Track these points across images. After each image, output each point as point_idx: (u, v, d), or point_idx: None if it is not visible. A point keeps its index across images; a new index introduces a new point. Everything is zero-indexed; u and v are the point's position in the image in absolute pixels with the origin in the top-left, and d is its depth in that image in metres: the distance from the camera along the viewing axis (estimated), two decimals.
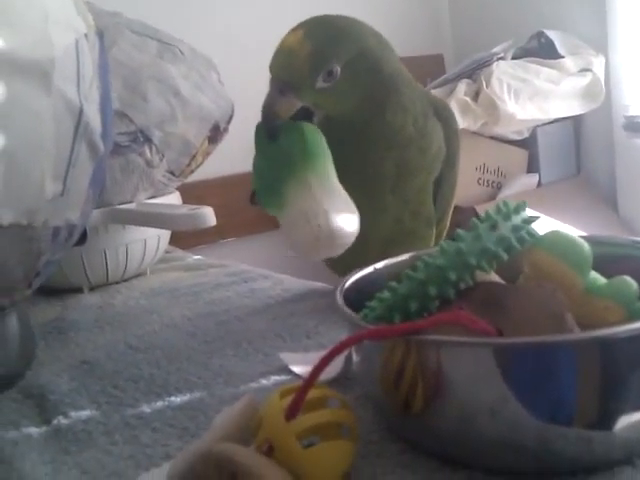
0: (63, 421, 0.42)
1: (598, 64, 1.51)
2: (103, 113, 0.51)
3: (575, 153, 1.67)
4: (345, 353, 0.39)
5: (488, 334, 0.29)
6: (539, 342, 0.28)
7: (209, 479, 0.28)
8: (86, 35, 0.49)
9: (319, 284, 0.68)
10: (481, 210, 1.35)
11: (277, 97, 0.49)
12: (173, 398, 0.44)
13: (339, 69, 0.48)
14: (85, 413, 0.43)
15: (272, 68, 0.49)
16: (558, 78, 1.46)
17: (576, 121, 1.64)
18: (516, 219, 0.35)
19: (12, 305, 0.48)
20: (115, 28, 0.76)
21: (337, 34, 0.49)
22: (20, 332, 0.51)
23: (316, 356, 0.30)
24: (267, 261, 1.12)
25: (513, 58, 1.51)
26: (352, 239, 0.46)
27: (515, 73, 1.42)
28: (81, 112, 0.47)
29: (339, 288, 0.38)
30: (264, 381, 0.45)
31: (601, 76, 1.51)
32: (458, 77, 1.45)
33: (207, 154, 0.84)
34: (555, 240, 0.35)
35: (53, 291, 0.75)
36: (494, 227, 0.34)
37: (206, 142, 0.82)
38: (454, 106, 1.32)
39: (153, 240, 0.78)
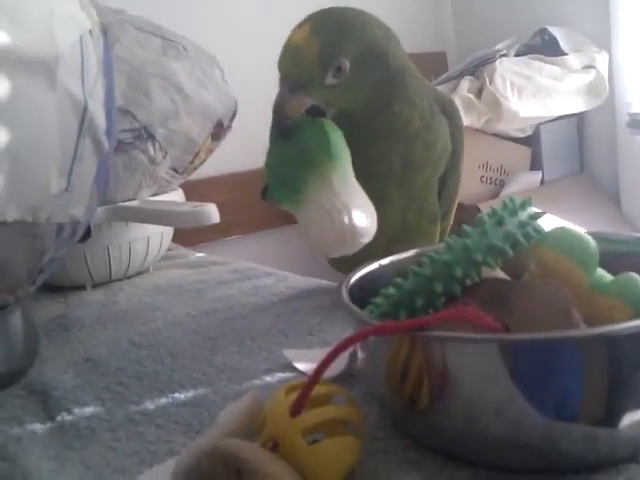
0: (67, 417, 0.42)
1: (601, 61, 1.51)
2: (107, 109, 0.51)
3: (578, 150, 1.67)
4: (350, 350, 0.39)
5: (494, 330, 0.29)
6: (545, 338, 0.28)
7: (215, 476, 0.28)
8: (90, 31, 0.49)
9: (323, 281, 0.68)
10: (484, 208, 1.35)
11: (287, 96, 0.49)
12: (177, 395, 0.44)
13: (348, 64, 0.48)
14: (89, 409, 0.43)
15: (280, 66, 0.49)
16: (561, 75, 1.45)
17: (579, 118, 1.64)
18: (522, 215, 0.35)
19: (16, 302, 0.48)
20: (118, 25, 0.76)
21: (344, 28, 0.49)
22: (24, 329, 0.51)
23: (320, 353, 0.30)
24: (271, 258, 1.12)
25: (516, 55, 1.51)
26: (373, 233, 0.47)
27: (518, 70, 1.41)
28: (85, 108, 0.47)
29: (344, 284, 0.38)
30: (268, 378, 0.45)
31: (604, 73, 1.50)
32: (461, 74, 1.45)
33: (210, 151, 0.84)
34: (561, 237, 0.35)
35: (56, 288, 0.75)
36: (500, 223, 0.34)
37: (209, 139, 0.82)
38: (457, 103, 1.32)
39: (156, 237, 0.78)
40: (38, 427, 0.41)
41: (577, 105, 1.50)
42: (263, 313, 0.60)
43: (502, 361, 0.28)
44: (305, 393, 0.29)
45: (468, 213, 1.30)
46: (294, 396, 0.29)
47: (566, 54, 1.50)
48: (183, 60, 0.80)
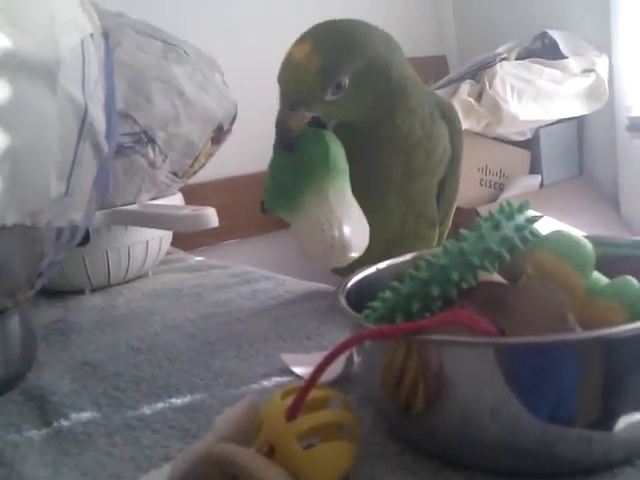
0: (64, 423, 0.42)
1: (601, 65, 1.51)
2: (108, 113, 0.51)
3: (578, 154, 1.67)
4: (346, 354, 0.39)
5: (490, 334, 0.29)
6: (541, 342, 0.28)
7: None
8: (92, 35, 0.49)
9: (321, 285, 0.68)
10: (483, 211, 1.34)
11: (288, 113, 0.49)
12: (174, 399, 0.44)
13: (347, 81, 0.48)
14: (86, 415, 0.43)
15: (281, 82, 0.49)
16: (561, 79, 1.46)
17: (579, 122, 1.64)
18: (519, 219, 0.35)
19: (14, 306, 0.48)
20: (119, 29, 0.76)
21: (346, 45, 0.48)
22: (22, 333, 0.51)
23: (317, 357, 0.30)
24: (269, 262, 1.12)
25: (516, 59, 1.51)
26: (362, 250, 0.48)
27: (518, 74, 1.41)
28: (86, 112, 0.47)
29: (341, 288, 0.38)
30: (265, 382, 0.45)
31: (604, 77, 1.50)
32: (461, 78, 1.45)
33: (210, 155, 0.84)
34: (558, 240, 0.35)
35: (55, 293, 0.75)
36: (497, 227, 0.34)
37: (209, 143, 0.82)
38: (457, 107, 1.32)
39: (155, 241, 0.78)
40: (35, 433, 0.41)
41: (577, 109, 1.50)
42: (261, 317, 0.60)
43: (498, 365, 0.28)
44: (301, 397, 0.29)
45: (467, 217, 1.29)
46: (290, 400, 0.29)
47: (566, 58, 1.50)
48: (184, 64, 0.80)
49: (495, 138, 1.52)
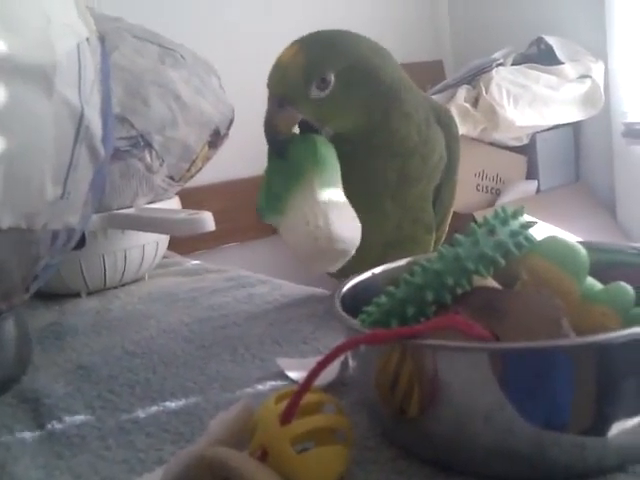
0: (57, 426, 0.42)
1: (597, 70, 1.52)
2: (104, 117, 0.51)
3: (574, 159, 1.67)
4: (341, 358, 0.39)
5: (484, 339, 0.29)
6: (535, 347, 0.28)
7: None
8: (88, 39, 0.49)
9: (317, 290, 0.68)
10: (480, 217, 1.35)
11: (275, 111, 0.49)
12: (168, 403, 0.44)
13: (332, 77, 0.49)
14: (80, 418, 0.43)
15: (269, 84, 0.50)
16: (557, 84, 1.46)
17: (575, 127, 1.64)
18: (514, 224, 0.35)
19: (10, 309, 0.48)
20: (116, 33, 0.76)
21: (329, 44, 0.50)
22: (17, 336, 0.51)
23: (313, 362, 0.30)
24: (265, 267, 1.12)
25: (513, 64, 1.52)
26: (352, 247, 0.46)
27: (515, 79, 1.42)
28: (82, 116, 0.47)
29: (337, 293, 0.38)
30: (260, 386, 0.45)
31: (600, 83, 1.51)
32: (458, 83, 1.46)
33: (207, 159, 0.84)
34: (552, 246, 0.35)
35: (51, 296, 0.75)
36: (492, 232, 0.34)
37: (206, 147, 0.82)
38: (454, 112, 1.32)
39: (151, 245, 0.78)
40: (28, 435, 0.41)
41: (573, 114, 1.50)
42: (257, 321, 0.60)
43: (492, 370, 0.28)
44: (295, 401, 0.29)
45: (464, 222, 1.30)
46: (284, 404, 0.29)
47: (562, 63, 1.51)
48: (181, 68, 0.80)
49: (491, 143, 1.52)
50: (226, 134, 0.86)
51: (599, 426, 0.28)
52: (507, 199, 1.48)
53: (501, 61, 1.48)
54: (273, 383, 0.45)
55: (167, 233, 0.79)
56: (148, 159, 0.75)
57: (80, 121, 0.48)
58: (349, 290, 0.40)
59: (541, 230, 0.37)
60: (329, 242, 0.45)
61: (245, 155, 1.26)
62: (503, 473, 0.29)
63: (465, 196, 1.42)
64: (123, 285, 0.79)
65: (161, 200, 0.79)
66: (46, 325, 0.65)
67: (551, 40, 1.56)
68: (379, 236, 0.55)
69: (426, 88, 1.51)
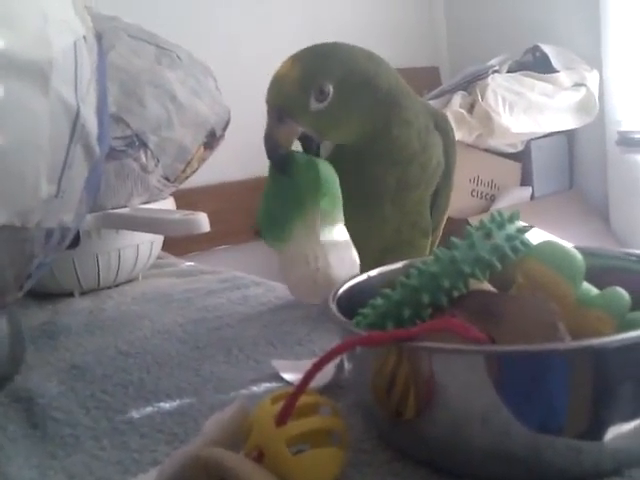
0: (51, 425, 0.42)
1: (592, 79, 1.53)
2: (100, 116, 0.51)
3: (568, 167, 1.68)
4: (337, 361, 0.39)
5: (480, 342, 0.29)
6: (531, 350, 0.28)
7: None
8: (84, 37, 0.49)
9: None
10: (474, 222, 1.35)
11: (275, 125, 0.49)
12: (162, 404, 0.44)
13: (331, 88, 0.48)
14: (73, 418, 0.43)
15: (267, 99, 0.50)
16: (552, 92, 1.47)
17: (569, 135, 1.65)
18: (510, 228, 0.35)
19: (2, 307, 0.48)
20: (113, 32, 0.76)
21: (324, 55, 0.50)
22: (10, 335, 0.50)
23: (308, 364, 0.30)
24: (260, 268, 1.11)
25: (508, 71, 1.53)
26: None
27: (510, 86, 1.43)
28: (78, 114, 0.47)
29: (332, 295, 0.38)
30: (255, 388, 0.45)
31: (595, 91, 1.52)
32: (454, 89, 1.46)
33: (203, 160, 0.84)
34: (548, 250, 0.35)
35: (44, 295, 0.75)
36: (488, 236, 0.34)
37: (202, 148, 0.82)
38: (449, 118, 1.33)
39: (146, 245, 0.78)
40: (21, 435, 0.41)
41: (567, 122, 1.51)
42: (251, 323, 0.59)
43: (488, 373, 0.28)
44: (291, 403, 0.29)
45: (458, 227, 1.30)
46: (280, 406, 0.29)
47: (557, 71, 1.52)
48: (177, 69, 0.80)
49: (486, 150, 1.53)
50: (222, 135, 0.86)
51: (595, 430, 0.28)
52: (501, 205, 1.49)
53: (497, 68, 1.49)
54: (267, 385, 0.45)
55: (162, 233, 0.79)
56: (143, 159, 0.75)
57: (76, 119, 0.47)
58: (345, 292, 0.40)
59: (535, 236, 0.37)
60: (327, 284, 0.45)
61: (241, 157, 1.27)
62: (499, 476, 0.29)
63: (460, 201, 1.43)
64: (117, 285, 0.79)
65: (156, 201, 0.79)
66: (39, 324, 0.65)
67: (546, 48, 1.57)
68: (377, 241, 0.55)
69: (422, 94, 1.52)
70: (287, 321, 0.58)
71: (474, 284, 0.35)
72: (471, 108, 1.42)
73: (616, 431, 0.28)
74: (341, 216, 0.49)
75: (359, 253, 0.47)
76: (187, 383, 0.47)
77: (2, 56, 0.41)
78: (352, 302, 0.38)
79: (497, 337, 0.30)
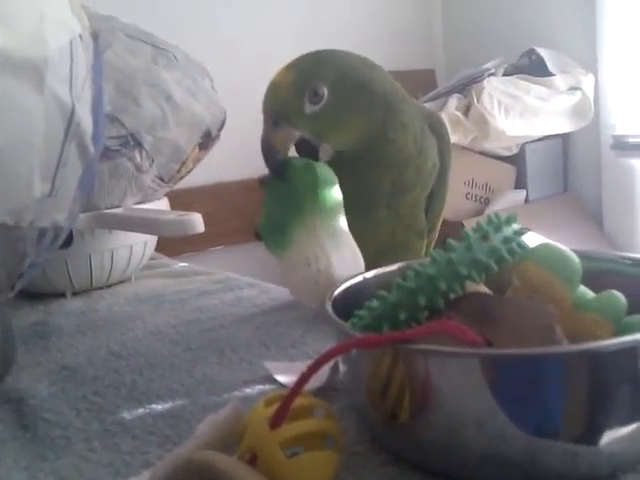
0: (41, 427, 0.41)
1: (587, 83, 1.53)
2: (95, 115, 0.50)
3: (563, 170, 1.69)
4: (331, 363, 0.39)
5: (477, 345, 0.29)
6: (528, 353, 0.28)
7: None
8: (81, 36, 0.49)
9: None
10: (469, 224, 1.35)
11: (271, 130, 0.49)
12: (154, 405, 0.43)
13: (325, 90, 0.48)
14: (64, 419, 0.42)
15: (263, 106, 0.50)
16: (548, 96, 1.48)
17: (564, 139, 1.66)
18: (507, 231, 0.35)
19: None
20: (109, 32, 0.76)
21: (319, 60, 0.50)
22: (1, 335, 0.50)
23: (302, 366, 0.30)
24: (254, 270, 1.11)
25: (504, 75, 1.53)
26: None
27: (506, 89, 1.43)
28: (72, 113, 0.47)
29: (327, 297, 0.38)
30: (248, 390, 0.44)
31: (590, 95, 1.53)
32: (449, 92, 1.47)
33: (198, 160, 0.84)
34: (545, 253, 0.35)
35: (36, 295, 0.74)
36: (485, 238, 0.34)
37: (197, 148, 0.82)
38: (445, 120, 1.33)
39: (139, 246, 0.77)
40: (11, 436, 0.40)
41: (562, 126, 1.52)
42: (245, 324, 0.59)
43: (484, 376, 0.28)
44: (285, 405, 0.29)
45: (453, 229, 1.30)
46: (274, 408, 0.29)
47: (553, 75, 1.52)
48: (173, 69, 0.80)
49: (482, 152, 1.53)
50: (217, 136, 0.85)
51: (591, 434, 0.28)
52: (496, 208, 1.49)
53: (493, 71, 1.49)
54: (261, 387, 0.44)
55: (156, 234, 0.78)
56: (138, 159, 0.75)
57: (71, 118, 0.47)
58: (340, 294, 0.39)
59: (529, 239, 0.37)
60: (329, 285, 0.45)
61: (236, 158, 1.26)
62: (495, 479, 0.29)
63: (454, 204, 1.43)
64: (109, 286, 0.78)
65: (150, 201, 0.78)
66: (31, 325, 0.65)
67: (542, 52, 1.57)
68: (372, 244, 0.55)
69: (418, 96, 1.52)
70: (281, 323, 0.58)
71: (470, 286, 0.35)
72: (467, 111, 1.42)
73: (612, 435, 0.28)
74: (342, 215, 0.49)
75: None
76: (179, 385, 0.46)
77: None
78: (348, 304, 0.37)
79: (494, 340, 0.30)
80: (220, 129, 0.85)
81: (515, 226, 0.36)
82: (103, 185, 0.72)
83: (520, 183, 1.60)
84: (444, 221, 0.65)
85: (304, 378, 0.29)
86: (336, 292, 0.39)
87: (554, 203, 1.60)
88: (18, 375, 0.51)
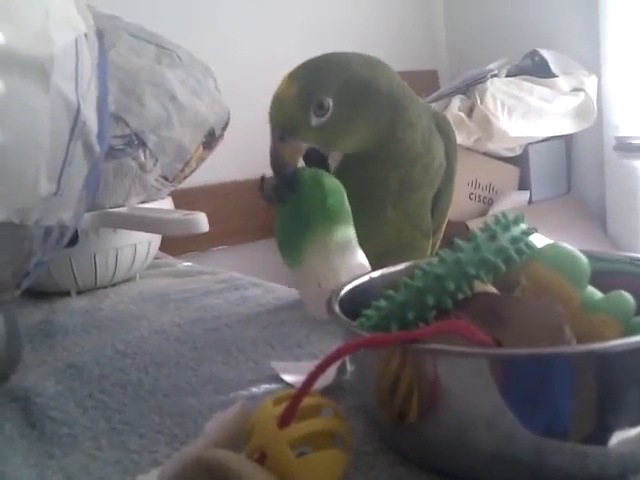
0: (48, 425, 0.41)
1: (590, 84, 1.53)
2: (100, 114, 0.50)
3: (566, 171, 1.69)
4: (338, 363, 0.39)
5: (486, 345, 0.29)
6: (537, 353, 0.28)
7: None
8: (86, 35, 0.48)
9: None
10: (472, 225, 1.36)
11: (279, 144, 0.49)
12: (161, 404, 0.43)
13: (330, 102, 0.48)
14: (71, 417, 0.42)
15: (269, 119, 0.50)
16: (551, 97, 1.48)
17: (568, 140, 1.66)
18: (515, 230, 0.35)
19: None
20: (114, 31, 0.76)
21: (320, 69, 0.49)
22: (7, 334, 0.50)
23: (308, 366, 0.30)
24: (259, 269, 1.11)
25: (507, 76, 1.53)
26: None
27: (509, 90, 1.43)
28: (78, 111, 0.46)
29: (334, 296, 0.38)
30: (254, 389, 0.44)
31: (593, 96, 1.52)
32: (452, 93, 1.46)
33: (201, 160, 0.84)
34: (554, 253, 0.35)
35: (41, 294, 0.74)
36: (493, 238, 0.34)
37: (201, 148, 0.82)
38: None
39: (143, 245, 0.78)
40: (18, 434, 0.41)
41: (566, 127, 1.51)
42: (250, 324, 0.59)
43: (493, 376, 0.28)
44: (294, 404, 0.29)
45: (456, 230, 1.30)
46: (282, 407, 0.29)
47: (556, 76, 1.52)
48: (177, 69, 0.80)
49: (485, 153, 1.53)
50: (221, 135, 0.85)
51: (600, 434, 0.28)
52: (499, 209, 1.49)
53: (496, 72, 1.49)
54: (267, 386, 0.44)
55: (161, 233, 0.79)
56: (142, 158, 0.75)
57: (76, 116, 0.47)
58: (347, 294, 0.39)
59: (537, 240, 0.37)
60: None
61: (239, 158, 1.26)
62: None
63: (458, 205, 1.42)
64: (114, 285, 0.78)
65: (154, 200, 0.79)
66: (36, 324, 0.65)
67: (545, 53, 1.57)
68: (379, 243, 0.55)
69: (421, 97, 1.52)
70: (286, 322, 0.58)
71: (478, 286, 0.35)
72: (470, 112, 1.42)
73: (622, 436, 0.28)
74: (352, 231, 0.49)
75: None
76: (186, 383, 0.46)
77: (3, 52, 0.41)
78: (355, 303, 0.37)
79: (502, 340, 0.30)
80: (224, 129, 0.85)
81: (523, 226, 0.36)
82: (107, 184, 0.72)
83: (523, 184, 1.60)
84: (448, 221, 0.65)
85: (312, 377, 0.29)
86: (343, 292, 0.39)
87: (557, 204, 1.60)
88: (24, 374, 0.51)
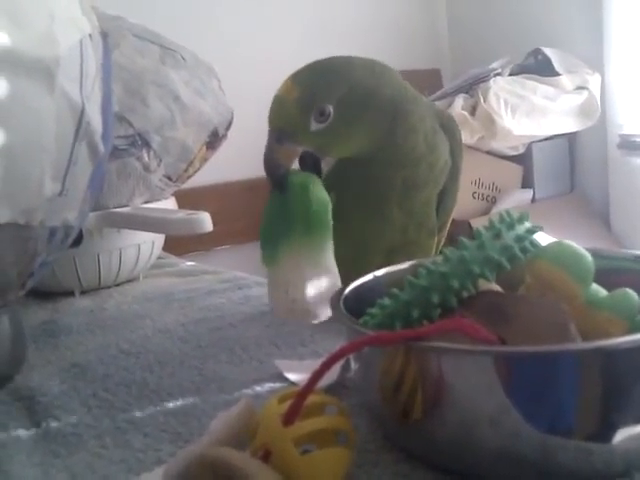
0: (53, 424, 0.41)
1: (594, 82, 1.53)
2: (104, 114, 0.51)
3: (569, 170, 1.68)
4: (342, 361, 0.39)
5: (490, 342, 0.29)
6: (542, 351, 0.28)
7: None
8: (90, 36, 0.49)
9: None
10: (476, 224, 1.35)
11: (275, 146, 0.49)
12: (165, 403, 0.43)
13: (331, 109, 0.48)
14: (75, 416, 0.42)
15: (268, 120, 0.49)
16: (554, 95, 1.47)
17: (571, 138, 1.65)
18: (520, 229, 0.35)
19: (4, 306, 0.47)
20: (118, 32, 0.76)
21: (323, 74, 0.49)
22: (11, 334, 0.50)
23: (312, 364, 0.30)
24: (260, 269, 1.11)
25: (510, 74, 1.53)
26: (326, 318, 0.47)
27: (512, 89, 1.43)
28: (83, 112, 0.47)
29: (338, 295, 0.38)
30: (258, 388, 0.44)
31: (597, 94, 1.52)
32: (456, 92, 1.46)
33: (205, 160, 0.84)
34: (558, 251, 0.35)
35: (45, 294, 0.74)
36: (498, 236, 0.34)
37: (204, 148, 0.82)
38: None
39: (147, 245, 0.78)
40: (23, 433, 0.41)
41: (569, 125, 1.51)
42: (253, 323, 0.59)
43: (497, 374, 0.28)
44: (299, 402, 0.29)
45: (459, 229, 1.30)
46: (286, 405, 0.29)
47: (559, 75, 1.52)
48: (181, 69, 0.80)
49: (488, 152, 1.53)
50: (224, 135, 0.85)
51: (605, 432, 0.28)
52: (502, 207, 1.49)
53: (499, 71, 1.49)
54: (271, 385, 0.45)
55: (165, 233, 0.79)
56: (146, 158, 0.75)
57: (81, 117, 0.47)
58: (351, 292, 0.39)
59: (541, 239, 0.37)
60: (304, 315, 0.46)
61: (243, 157, 1.26)
62: (508, 478, 0.29)
63: (461, 203, 1.42)
64: (117, 284, 0.78)
65: (158, 200, 0.79)
66: (40, 323, 0.65)
67: (549, 51, 1.57)
68: (384, 241, 0.55)
69: (424, 95, 1.52)
70: (289, 321, 0.58)
71: (483, 284, 0.35)
72: (473, 110, 1.42)
73: (626, 433, 0.28)
74: (330, 242, 0.48)
75: (365, 254, 0.47)
76: (190, 382, 0.46)
77: (9, 53, 0.41)
78: (359, 302, 0.37)
79: (507, 338, 0.30)
80: (227, 129, 0.85)
81: (527, 224, 0.36)
82: (111, 184, 0.72)
83: (527, 182, 1.59)
84: (452, 220, 0.65)
85: (317, 375, 0.29)
86: (347, 290, 0.39)
87: (561, 202, 1.60)
88: (29, 373, 0.51)
